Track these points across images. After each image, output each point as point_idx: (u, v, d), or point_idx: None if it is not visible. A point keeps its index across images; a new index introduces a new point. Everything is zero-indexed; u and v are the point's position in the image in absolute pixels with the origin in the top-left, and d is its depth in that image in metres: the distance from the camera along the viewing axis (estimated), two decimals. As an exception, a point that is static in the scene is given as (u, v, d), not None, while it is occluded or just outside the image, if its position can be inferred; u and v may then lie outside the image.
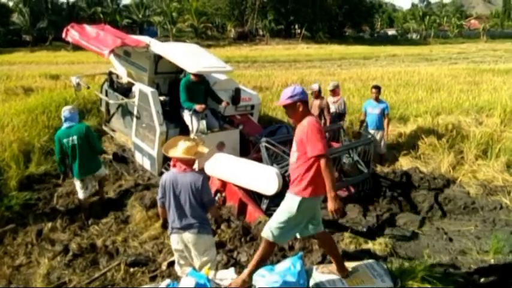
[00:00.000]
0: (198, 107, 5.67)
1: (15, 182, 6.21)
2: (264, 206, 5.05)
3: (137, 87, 6.36)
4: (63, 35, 7.19)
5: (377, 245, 4.44)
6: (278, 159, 5.40)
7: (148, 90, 6.08)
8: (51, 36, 47.15)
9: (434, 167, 7.18)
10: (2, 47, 40.01)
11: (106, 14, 53.22)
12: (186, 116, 5.98)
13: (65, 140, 5.19)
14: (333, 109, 7.54)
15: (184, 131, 5.94)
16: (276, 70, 21.63)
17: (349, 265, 3.68)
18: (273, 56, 33.59)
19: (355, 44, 51.68)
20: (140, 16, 55.49)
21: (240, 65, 23.94)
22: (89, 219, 5.38)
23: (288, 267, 3.53)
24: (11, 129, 7.70)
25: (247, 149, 6.06)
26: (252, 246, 4.32)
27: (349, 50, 40.29)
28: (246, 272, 3.46)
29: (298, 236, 3.57)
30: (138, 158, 6.53)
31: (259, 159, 5.40)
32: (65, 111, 5.30)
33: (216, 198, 5.12)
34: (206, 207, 3.56)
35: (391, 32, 72.89)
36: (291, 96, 3.29)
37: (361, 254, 4.23)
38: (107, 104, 7.63)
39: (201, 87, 6.07)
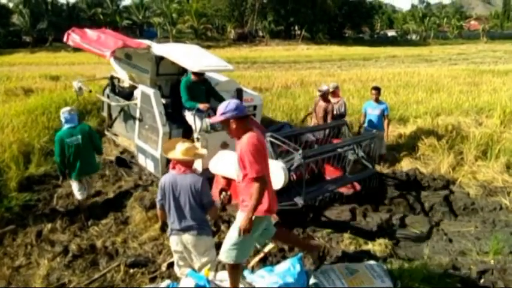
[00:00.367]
0: (201, 105, 5.65)
1: (15, 183, 6.20)
2: None
3: (139, 89, 6.36)
4: (65, 39, 7.20)
5: (377, 246, 4.44)
6: (283, 155, 5.35)
7: (151, 91, 6.09)
8: (51, 37, 47.21)
9: (434, 168, 7.18)
10: (2, 48, 40.03)
11: (106, 15, 53.32)
12: (189, 115, 5.96)
13: (68, 140, 5.21)
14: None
15: (188, 131, 5.93)
16: (276, 71, 21.65)
17: (349, 266, 3.69)
18: (273, 57, 33.62)
19: (355, 45, 51.72)
20: (140, 17, 55.56)
21: (240, 66, 23.95)
22: (89, 220, 5.38)
23: (288, 268, 3.54)
24: (11, 130, 7.70)
25: None
26: (251, 247, 4.32)
27: (349, 51, 40.32)
28: None
29: (257, 245, 3.58)
30: (141, 160, 6.51)
31: None
32: (65, 112, 5.32)
33: (221, 196, 5.12)
34: (206, 209, 3.56)
35: (390, 33, 72.97)
36: (223, 113, 3.10)
37: (361, 255, 4.23)
38: (109, 108, 7.62)
39: (202, 87, 6.06)
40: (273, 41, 53.58)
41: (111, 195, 6.17)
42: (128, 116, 6.99)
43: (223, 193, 5.13)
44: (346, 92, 12.28)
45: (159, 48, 6.47)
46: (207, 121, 5.63)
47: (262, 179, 3.00)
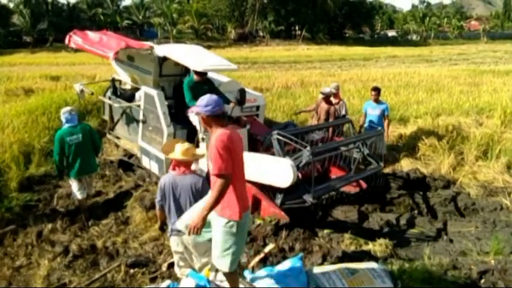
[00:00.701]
0: None
1: (16, 183, 6.21)
2: (278, 201, 4.95)
3: (142, 90, 6.35)
4: (66, 42, 7.22)
5: (377, 246, 4.44)
6: (289, 153, 5.33)
7: (154, 91, 6.08)
8: (52, 37, 47.28)
9: (434, 168, 7.18)
10: (2, 48, 40.07)
11: (106, 16, 53.37)
12: (193, 116, 5.93)
13: (68, 139, 5.25)
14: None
15: (192, 132, 5.91)
16: (276, 71, 21.64)
17: (350, 266, 3.68)
18: (273, 57, 33.62)
19: (355, 45, 51.70)
20: (140, 17, 55.61)
21: (240, 66, 23.89)
22: (89, 221, 5.39)
23: (288, 268, 3.54)
24: (12, 130, 7.70)
25: (255, 149, 6.02)
26: (252, 247, 4.32)
27: (349, 51, 40.31)
28: None
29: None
30: (145, 162, 6.48)
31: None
32: (65, 113, 5.35)
33: None
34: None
35: (391, 33, 73.01)
36: (197, 106, 3.11)
37: (361, 255, 4.23)
38: (111, 111, 7.60)
39: (205, 88, 6.04)
40: (274, 41, 53.58)
41: (111, 195, 6.18)
42: (130, 118, 6.97)
43: None
44: (347, 92, 12.27)
45: (162, 49, 6.47)
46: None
47: (225, 177, 2.91)
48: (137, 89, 6.96)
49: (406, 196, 6.17)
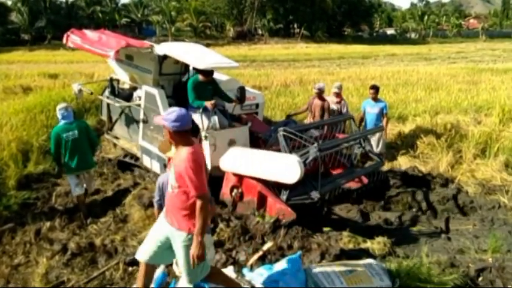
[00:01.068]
0: (208, 103, 5.62)
1: (14, 181, 6.20)
2: (284, 197, 4.92)
3: (143, 89, 6.33)
4: (64, 41, 7.17)
5: (375, 244, 4.44)
6: (294, 149, 5.32)
7: (155, 90, 6.07)
8: (50, 35, 47.16)
9: (433, 166, 7.19)
10: (0, 46, 39.95)
11: (105, 13, 53.24)
12: (196, 115, 5.91)
13: (64, 135, 5.26)
14: (334, 108, 7.52)
15: (194, 130, 5.89)
16: (275, 69, 21.64)
17: (348, 264, 3.69)
18: (272, 55, 33.62)
19: (354, 43, 51.72)
20: (139, 15, 55.50)
21: (239, 65, 23.88)
22: (88, 219, 5.38)
23: (287, 266, 3.54)
24: (10, 128, 7.69)
25: (256, 146, 6.02)
26: (250, 245, 4.32)
27: (348, 50, 40.33)
28: None
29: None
30: (146, 161, 6.45)
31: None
32: (61, 109, 5.36)
33: (233, 194, 5.10)
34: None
35: (390, 31, 73.04)
36: (164, 119, 2.96)
37: (359, 253, 4.23)
38: (109, 111, 7.56)
39: (209, 87, 6.02)
40: (272, 39, 53.54)
41: (110, 193, 6.17)
42: (129, 117, 6.94)
43: (235, 190, 5.12)
44: (345, 90, 12.25)
45: (162, 47, 6.45)
46: (215, 118, 5.59)
47: (205, 196, 2.91)
48: (135, 89, 6.94)
49: (405, 194, 6.17)
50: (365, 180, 5.92)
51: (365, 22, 65.69)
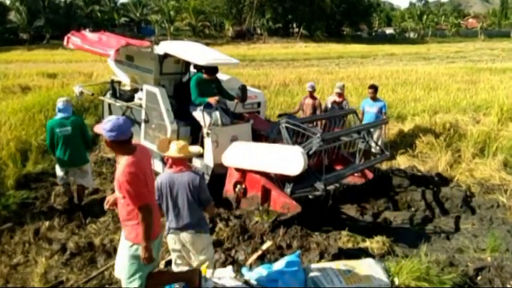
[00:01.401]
0: (211, 99, 5.61)
1: (13, 180, 6.19)
2: (288, 190, 4.89)
3: (144, 88, 6.32)
4: (64, 43, 7.18)
5: (374, 243, 4.45)
6: (298, 141, 5.31)
7: (156, 89, 6.05)
8: (49, 34, 47.08)
9: (431, 166, 7.20)
10: (-1, 46, 39.87)
11: (103, 13, 53.16)
12: (197, 112, 5.89)
13: (58, 130, 5.25)
14: (336, 108, 7.55)
15: (196, 128, 5.88)
16: (274, 69, 21.65)
17: (347, 263, 3.69)
18: (271, 54, 33.59)
19: (353, 42, 51.73)
20: (138, 14, 55.41)
21: (238, 64, 23.88)
22: (87, 218, 5.37)
23: (286, 265, 3.54)
24: (8, 127, 7.68)
25: None
26: (249, 245, 4.33)
27: (347, 49, 40.32)
28: None
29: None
30: None
31: None
32: (59, 102, 5.37)
33: (237, 190, 5.08)
34: (203, 206, 3.56)
35: (389, 30, 73.11)
36: (102, 128, 2.96)
37: (358, 252, 4.24)
38: (110, 112, 7.54)
39: (212, 86, 6.01)
40: (271, 39, 53.52)
41: (109, 193, 6.15)
42: (131, 118, 6.92)
43: (238, 186, 5.09)
44: (345, 89, 12.26)
45: (162, 46, 6.44)
46: (217, 114, 5.57)
47: (146, 206, 2.92)
48: (136, 90, 6.93)
49: (404, 193, 6.18)
50: (370, 175, 5.91)
51: (364, 22, 65.70)
